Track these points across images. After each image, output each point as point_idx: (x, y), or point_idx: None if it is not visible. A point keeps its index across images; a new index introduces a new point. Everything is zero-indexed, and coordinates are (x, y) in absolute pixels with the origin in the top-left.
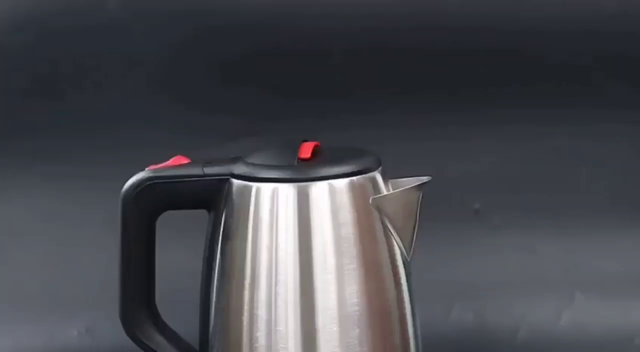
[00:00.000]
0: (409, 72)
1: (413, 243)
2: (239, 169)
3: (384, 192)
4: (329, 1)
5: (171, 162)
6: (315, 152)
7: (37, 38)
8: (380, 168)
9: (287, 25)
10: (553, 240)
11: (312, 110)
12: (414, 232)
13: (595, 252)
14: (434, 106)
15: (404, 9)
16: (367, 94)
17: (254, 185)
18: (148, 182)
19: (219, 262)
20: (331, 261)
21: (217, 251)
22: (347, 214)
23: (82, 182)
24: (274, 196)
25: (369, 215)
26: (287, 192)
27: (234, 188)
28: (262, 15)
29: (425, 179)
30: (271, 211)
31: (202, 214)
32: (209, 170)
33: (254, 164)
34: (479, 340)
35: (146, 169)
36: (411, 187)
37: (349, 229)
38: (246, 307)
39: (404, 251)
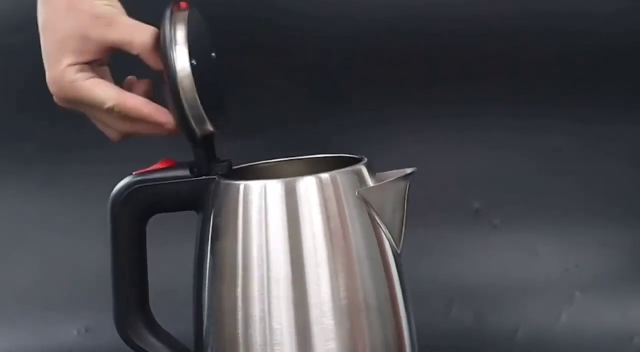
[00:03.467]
0: (406, 72)
1: (402, 235)
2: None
3: (371, 184)
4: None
5: (157, 165)
6: None
7: (37, 38)
8: (365, 161)
9: (286, 24)
10: (553, 240)
11: (308, 110)
12: (402, 224)
13: (595, 252)
14: (432, 105)
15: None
16: (366, 94)
17: (242, 183)
18: (135, 187)
19: (210, 262)
20: (322, 255)
21: (207, 251)
22: (335, 208)
23: (82, 182)
24: (261, 193)
25: (356, 208)
26: (274, 188)
27: (221, 188)
28: (262, 14)
29: (410, 170)
30: (259, 208)
31: (192, 214)
32: (195, 171)
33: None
34: (478, 340)
35: (133, 173)
36: (396, 179)
37: (337, 223)
38: (239, 305)
39: (394, 243)
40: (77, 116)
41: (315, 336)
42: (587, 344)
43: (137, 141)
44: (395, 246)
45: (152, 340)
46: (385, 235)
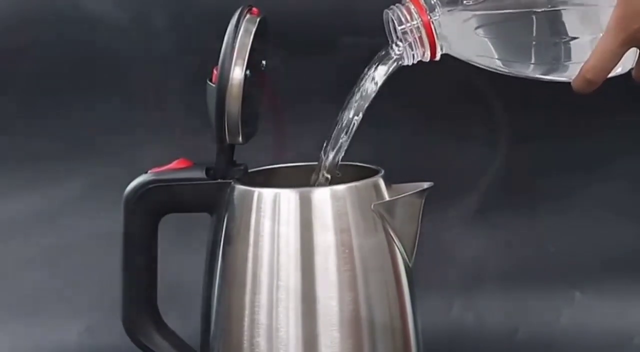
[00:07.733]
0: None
1: (415, 249)
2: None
3: (386, 197)
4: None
5: (173, 165)
6: None
7: (36, 38)
8: (382, 173)
9: (287, 24)
10: (553, 239)
11: (309, 110)
12: (415, 238)
13: (595, 252)
14: (432, 105)
15: None
16: None
17: (256, 190)
18: (150, 185)
19: (220, 266)
20: (332, 266)
21: (218, 255)
22: (348, 220)
23: (82, 183)
24: (275, 201)
25: (370, 221)
26: (289, 197)
27: (236, 192)
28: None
29: (427, 185)
30: (273, 216)
31: (205, 216)
32: (211, 173)
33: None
34: (478, 340)
35: (148, 171)
36: (413, 193)
37: (350, 234)
38: (247, 311)
39: (406, 256)
40: (77, 116)
41: (322, 347)
42: (587, 344)
43: (146, 139)
44: (407, 260)
45: (159, 339)
46: (398, 248)
